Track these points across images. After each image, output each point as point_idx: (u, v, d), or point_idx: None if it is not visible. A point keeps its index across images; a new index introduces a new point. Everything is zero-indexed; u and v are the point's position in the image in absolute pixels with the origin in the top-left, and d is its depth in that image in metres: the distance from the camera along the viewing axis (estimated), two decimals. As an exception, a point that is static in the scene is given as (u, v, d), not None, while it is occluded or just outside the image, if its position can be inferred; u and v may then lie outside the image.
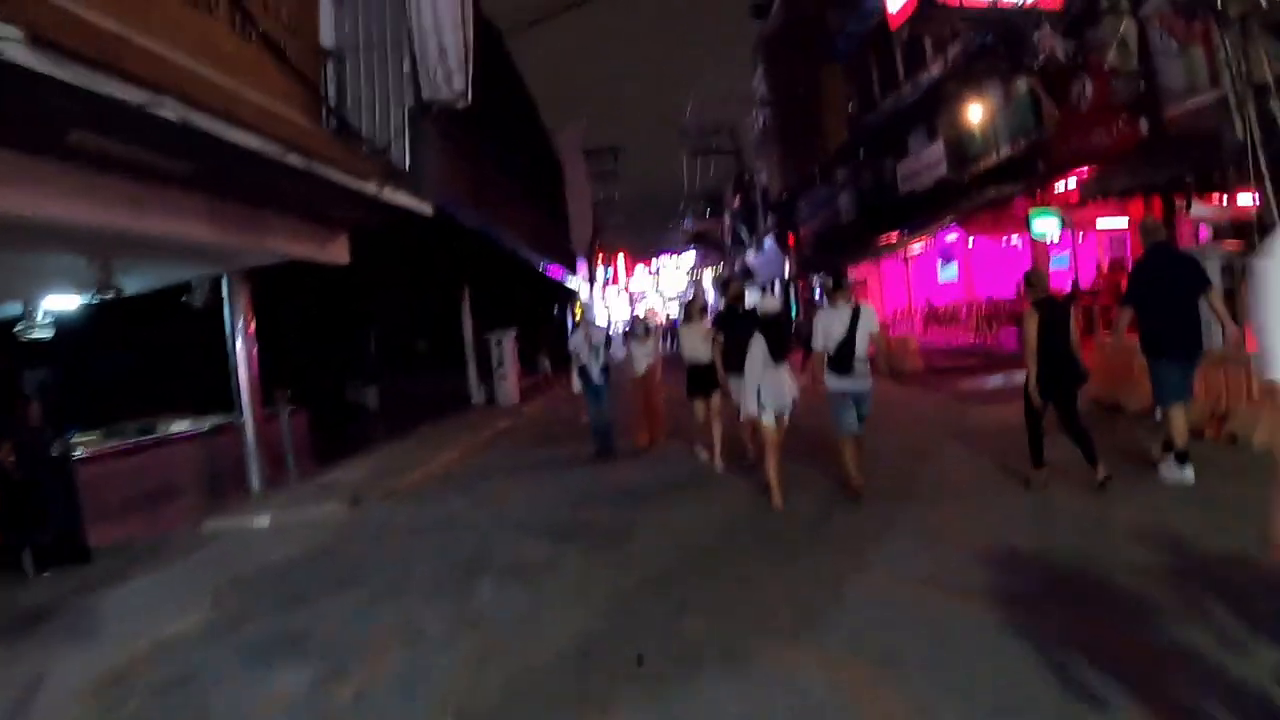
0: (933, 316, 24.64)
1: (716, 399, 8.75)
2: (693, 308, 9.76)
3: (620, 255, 66.19)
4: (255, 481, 10.48)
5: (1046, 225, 15.99)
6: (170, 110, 6.03)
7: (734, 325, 8.16)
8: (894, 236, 23.59)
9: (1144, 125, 13.35)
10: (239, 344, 10.65)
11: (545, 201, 26.91)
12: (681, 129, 37.80)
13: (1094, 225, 17.69)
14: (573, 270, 30.81)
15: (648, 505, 7.43)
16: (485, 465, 11.05)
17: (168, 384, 13.52)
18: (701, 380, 8.81)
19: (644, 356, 10.49)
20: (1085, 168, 15.29)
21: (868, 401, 6.90)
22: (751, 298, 37.47)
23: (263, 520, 8.60)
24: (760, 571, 5.26)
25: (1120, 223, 18.99)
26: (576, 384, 10.49)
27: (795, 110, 32.76)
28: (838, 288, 7.11)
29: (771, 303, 7.42)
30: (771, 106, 34.56)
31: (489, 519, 7.56)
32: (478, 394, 19.94)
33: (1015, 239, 23.84)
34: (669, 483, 8.42)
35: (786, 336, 6.85)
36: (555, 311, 30.08)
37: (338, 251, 11.14)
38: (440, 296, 20.15)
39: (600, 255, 54.90)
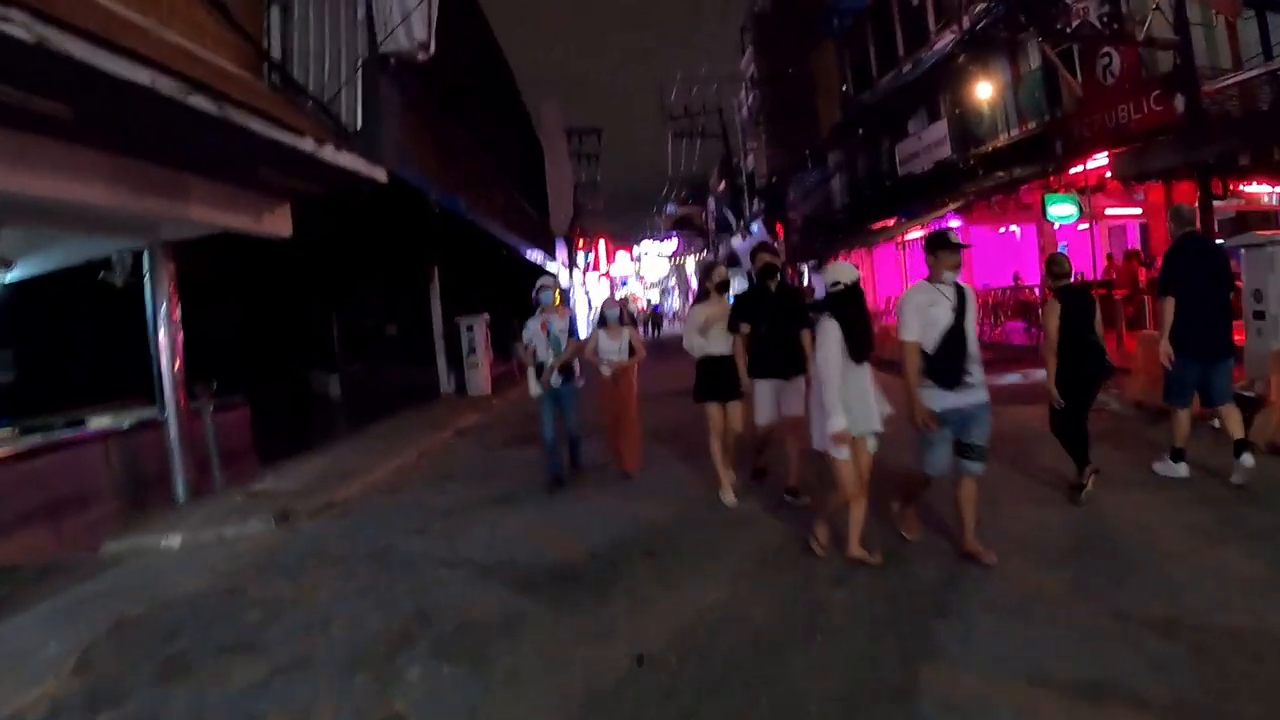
0: (929, 307, 23.50)
1: (737, 410, 6.75)
2: (710, 281, 6.94)
3: (601, 241, 64.67)
4: (180, 489, 9.08)
5: (1063, 210, 14.81)
6: (20, 28, 4.63)
7: (766, 311, 6.38)
8: (890, 222, 22.40)
9: (1179, 102, 12.15)
10: (161, 330, 9.21)
11: (523, 181, 25.45)
12: (666, 110, 36.39)
13: (1102, 214, 16.58)
14: (551, 254, 29.37)
15: (642, 552, 5.69)
16: (444, 471, 9.67)
17: (94, 375, 12.04)
18: (720, 380, 6.67)
19: (614, 353, 7.97)
20: (1105, 149, 14.13)
21: (983, 424, 4.75)
22: (738, 284, 36.10)
23: (172, 541, 7.22)
24: (811, 673, 3.77)
25: (1131, 210, 17.97)
26: (533, 387, 8.02)
27: (786, 91, 31.43)
28: (943, 247, 4.70)
29: (847, 271, 4.89)
30: (761, 87, 33.20)
31: (437, 552, 6.18)
32: (447, 383, 18.56)
33: (1015, 228, 22.83)
34: (663, 524, 6.35)
35: (868, 322, 4.84)
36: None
37: (278, 223, 9.69)
38: (408, 279, 18.72)
39: (581, 240, 53.44)
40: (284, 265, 14.10)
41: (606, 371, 7.95)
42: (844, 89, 27.91)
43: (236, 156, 8.02)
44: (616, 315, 8.03)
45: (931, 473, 4.91)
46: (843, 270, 4.90)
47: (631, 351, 8.01)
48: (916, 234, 22.46)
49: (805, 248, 29.27)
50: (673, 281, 71.35)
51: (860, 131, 24.54)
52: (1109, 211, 18.44)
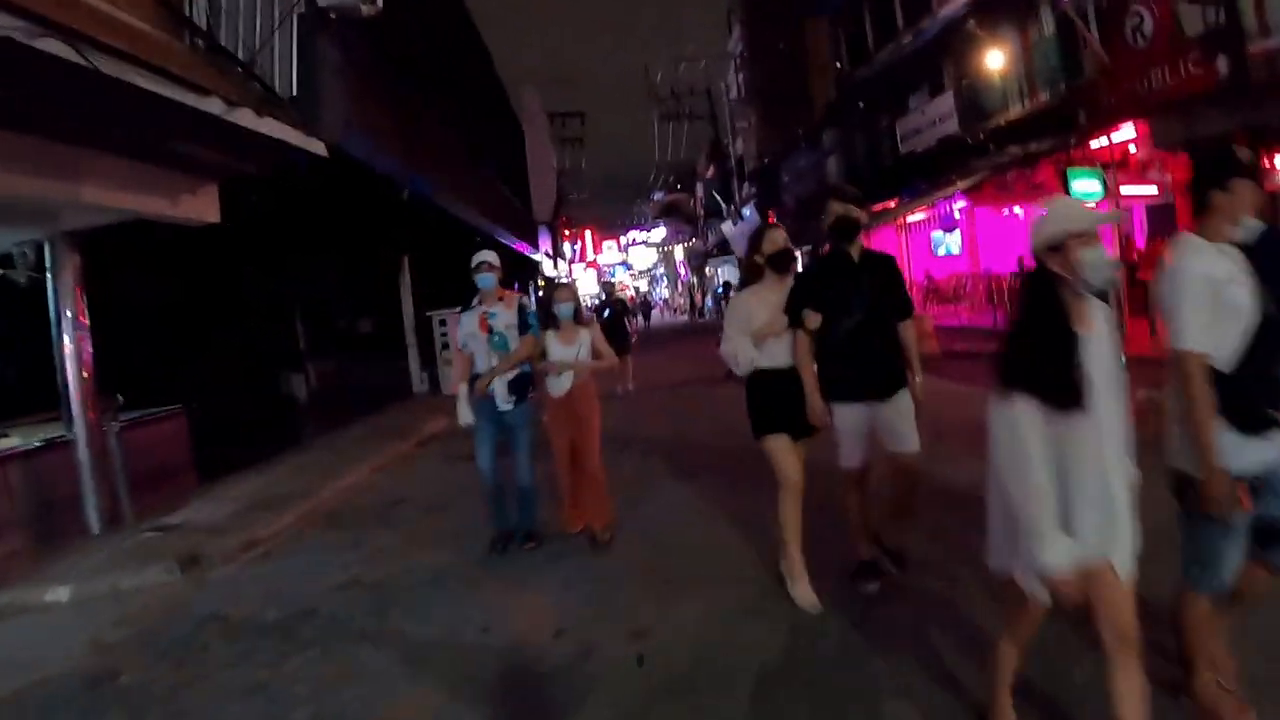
0: (933, 292, 22.28)
1: (793, 468, 4.33)
2: (759, 252, 4.45)
3: (588, 231, 63.30)
4: (93, 519, 7.77)
5: (1088, 187, 13.54)
6: None
7: (846, 292, 4.15)
8: (891, 203, 21.13)
9: (1222, 64, 10.90)
10: (65, 334, 7.86)
11: (503, 167, 24.08)
12: (652, 90, 34.92)
13: (1117, 192, 15.37)
14: (534, 243, 28.02)
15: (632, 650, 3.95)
16: (396, 494, 8.35)
17: (7, 386, 10.69)
18: (788, 404, 4.27)
19: (568, 362, 5.72)
20: (1135, 118, 12.88)
21: None
22: (726, 273, 34.19)
23: (59, 594, 5.91)
24: None
25: (1146, 189, 16.72)
26: (463, 412, 5.73)
27: (776, 70, 30.10)
28: (1235, 170, 2.72)
29: (1077, 214, 2.51)
30: (751, 67, 31.83)
31: (363, 619, 4.83)
32: (420, 381, 17.27)
33: (1018, 209, 21.61)
34: (677, 634, 4.10)
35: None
36: (514, 288, 27.31)
37: (201, 207, 8.33)
38: (377, 270, 17.40)
39: (566, 230, 52.09)
40: (239, 257, 12.80)
41: (557, 390, 5.72)
42: (838, 66, 26.60)
43: (140, 128, 6.71)
44: (571, 311, 5.75)
45: (1219, 589, 2.75)
46: (1071, 210, 2.54)
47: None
48: (919, 215, 21.23)
49: (800, 231, 28.00)
50: (661, 270, 70.00)
51: (861, 106, 23.21)
52: (1123, 190, 17.28)
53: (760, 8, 31.12)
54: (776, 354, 4.31)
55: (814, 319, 4.12)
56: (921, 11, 19.96)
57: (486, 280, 5.78)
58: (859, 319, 4.10)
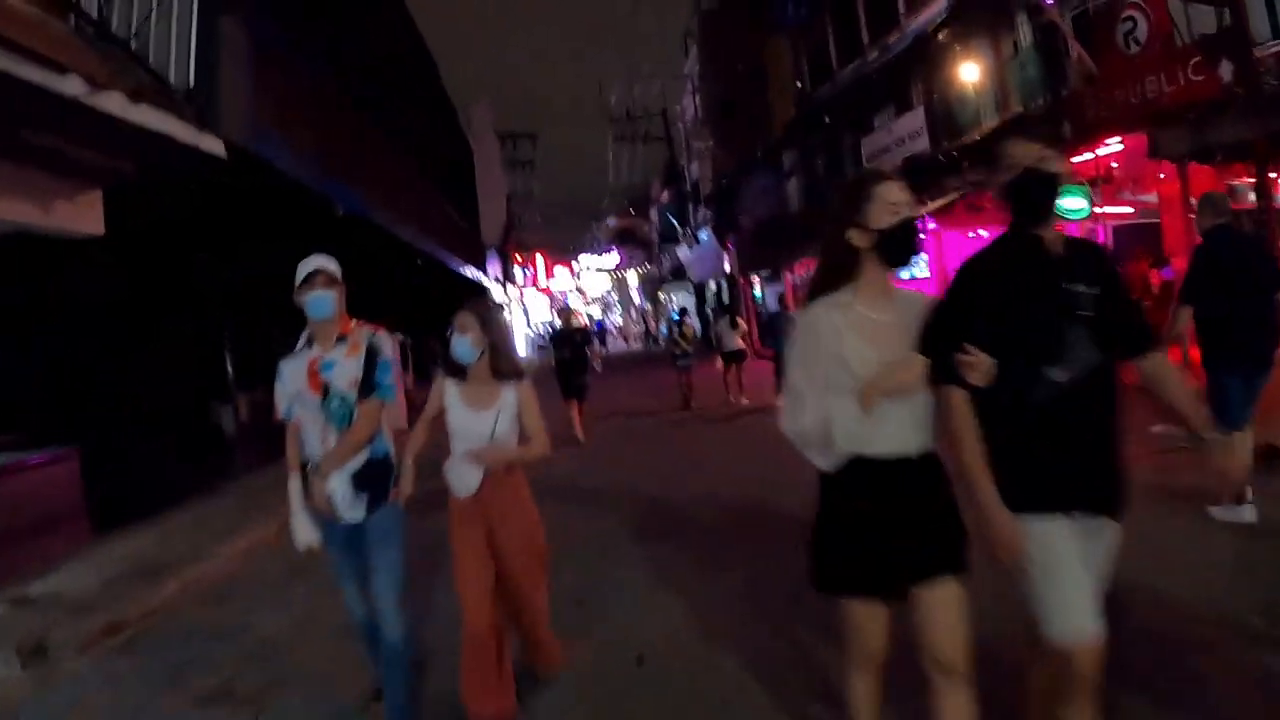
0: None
1: (949, 607, 2.37)
2: (862, 217, 2.38)
3: (539, 255, 61.97)
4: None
5: (1073, 204, 12.70)
6: None
7: (1052, 325, 2.29)
8: (856, 226, 20.26)
9: (1226, 70, 10.12)
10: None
11: (450, 187, 22.79)
12: (607, 112, 33.95)
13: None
14: (482, 267, 26.69)
15: None
16: (300, 561, 6.97)
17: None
18: (896, 534, 2.35)
19: (472, 461, 3.59)
20: (1125, 131, 12.09)
21: None
22: (680, 300, 33.37)
23: None
24: None
25: (1120, 209, 16.07)
26: (300, 528, 3.52)
27: (735, 90, 29.27)
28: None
29: None
30: (708, 87, 31.02)
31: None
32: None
33: (984, 231, 20.95)
34: None
35: None
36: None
37: (80, 216, 6.92)
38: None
39: (517, 255, 50.74)
40: (156, 274, 11.34)
41: (461, 487, 3.62)
42: (798, 86, 25.86)
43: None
44: (475, 354, 3.60)
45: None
46: None
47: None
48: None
49: (757, 256, 27.06)
50: (615, 296, 68.83)
51: (825, 121, 22.37)
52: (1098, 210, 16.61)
53: (718, 27, 30.35)
54: (887, 429, 2.32)
55: (980, 367, 2.27)
56: (889, 27, 19.22)
57: (321, 305, 3.48)
58: (1079, 366, 2.27)
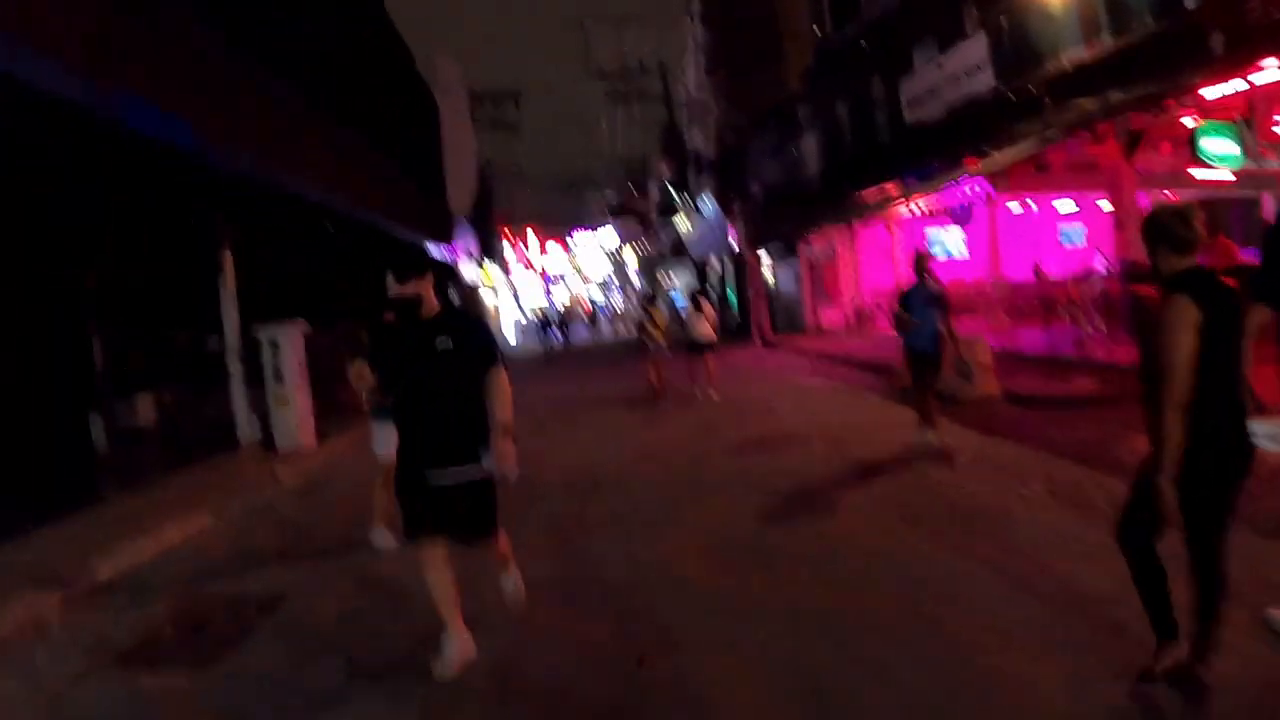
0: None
1: None
2: None
3: (530, 230, 58.06)
4: None
5: (1222, 148, 9.02)
6: None
7: None
8: (889, 187, 16.52)
9: None
10: None
11: (399, 142, 18.98)
12: (594, 64, 30.07)
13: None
14: (447, 239, 22.91)
15: None
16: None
17: None
18: None
19: None
20: None
21: None
22: (681, 280, 29.22)
23: None
24: None
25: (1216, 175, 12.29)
26: None
27: (742, 40, 25.42)
28: None
29: None
30: (711, 36, 27.13)
31: None
32: (248, 426, 12.10)
33: (1051, 203, 17.21)
34: None
35: None
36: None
37: None
38: (191, 272, 12.26)
39: (506, 230, 46.91)
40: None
41: None
42: (816, 32, 22.05)
43: None
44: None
45: None
46: None
47: None
48: (919, 204, 16.57)
49: (767, 227, 23.27)
50: (614, 278, 64.84)
51: (839, 76, 18.57)
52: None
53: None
54: None
55: None
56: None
57: None
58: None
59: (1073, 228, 20.06)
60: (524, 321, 48.86)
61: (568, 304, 55.63)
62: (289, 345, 11.56)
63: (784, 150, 23.10)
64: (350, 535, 6.25)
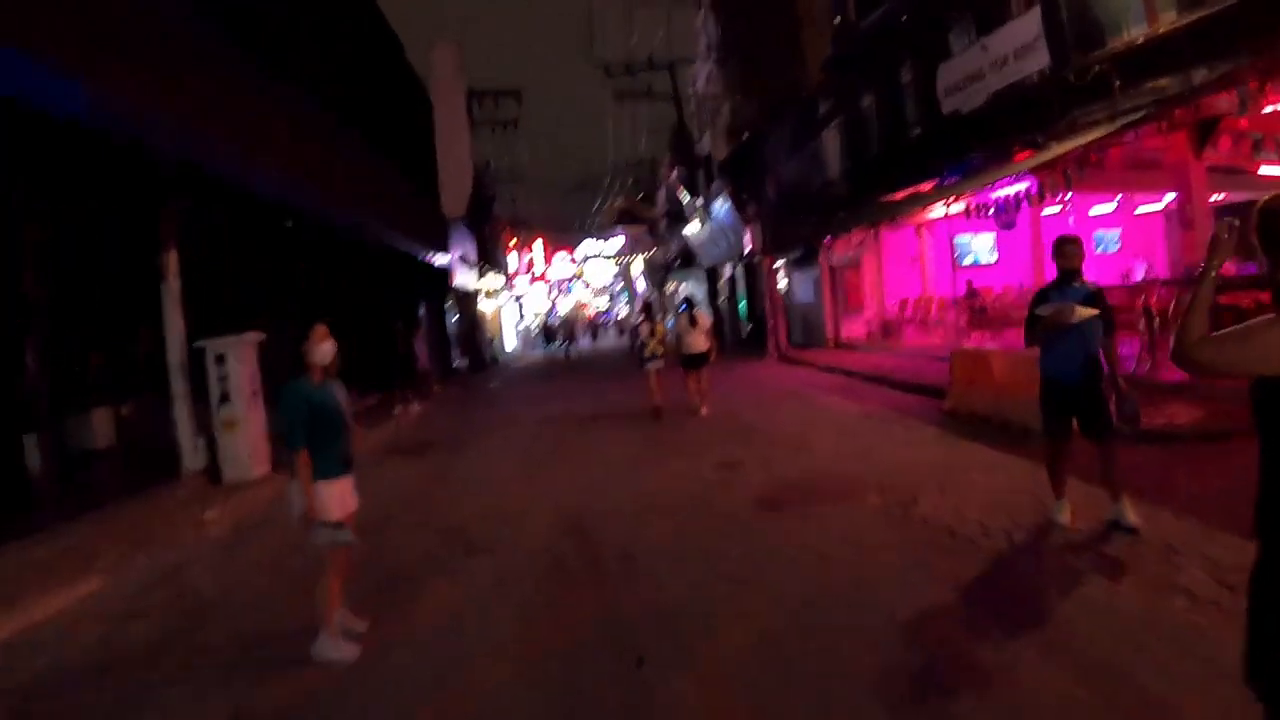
0: (977, 313, 16.03)
1: None
2: None
3: (539, 240, 56.41)
4: None
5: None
6: None
7: None
8: (924, 187, 14.88)
9: None
10: None
11: (387, 139, 17.45)
12: (598, 61, 28.52)
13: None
14: (442, 245, 21.33)
15: None
16: None
17: None
18: None
19: None
20: None
21: None
22: (686, 289, 27.52)
23: None
24: None
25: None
26: None
27: (755, 28, 23.84)
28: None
29: None
30: (722, 24, 25.55)
31: None
32: (195, 454, 10.51)
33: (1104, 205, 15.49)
34: None
35: None
36: (405, 307, 20.36)
37: None
38: (131, 274, 10.72)
39: (512, 238, 45.30)
40: None
41: None
42: (835, 21, 20.45)
43: None
44: None
45: None
46: None
47: None
48: (956, 207, 14.85)
49: (785, 233, 21.60)
50: (620, 285, 63.20)
51: (864, 65, 16.96)
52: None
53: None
54: None
55: None
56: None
57: None
58: None
59: (1108, 232, 18.44)
60: (528, 329, 47.56)
61: (569, 313, 54.33)
62: (238, 360, 9.98)
63: (803, 148, 21.47)
64: (272, 625, 4.67)
